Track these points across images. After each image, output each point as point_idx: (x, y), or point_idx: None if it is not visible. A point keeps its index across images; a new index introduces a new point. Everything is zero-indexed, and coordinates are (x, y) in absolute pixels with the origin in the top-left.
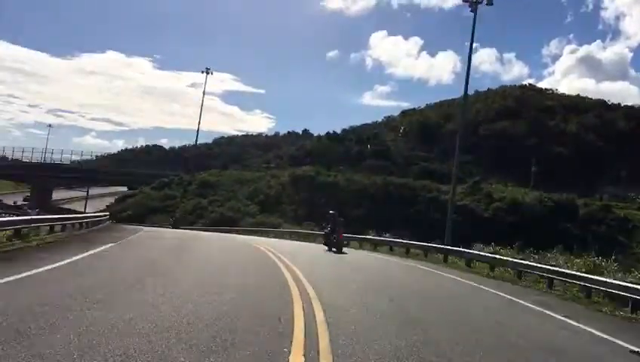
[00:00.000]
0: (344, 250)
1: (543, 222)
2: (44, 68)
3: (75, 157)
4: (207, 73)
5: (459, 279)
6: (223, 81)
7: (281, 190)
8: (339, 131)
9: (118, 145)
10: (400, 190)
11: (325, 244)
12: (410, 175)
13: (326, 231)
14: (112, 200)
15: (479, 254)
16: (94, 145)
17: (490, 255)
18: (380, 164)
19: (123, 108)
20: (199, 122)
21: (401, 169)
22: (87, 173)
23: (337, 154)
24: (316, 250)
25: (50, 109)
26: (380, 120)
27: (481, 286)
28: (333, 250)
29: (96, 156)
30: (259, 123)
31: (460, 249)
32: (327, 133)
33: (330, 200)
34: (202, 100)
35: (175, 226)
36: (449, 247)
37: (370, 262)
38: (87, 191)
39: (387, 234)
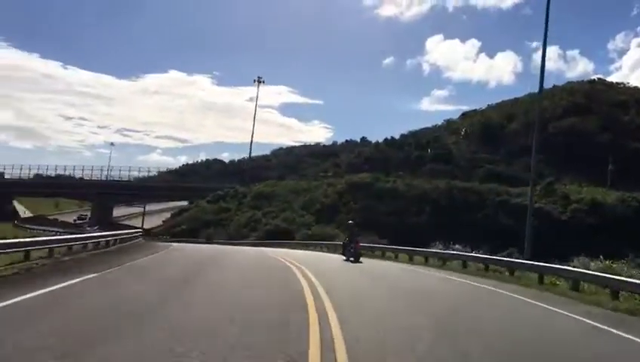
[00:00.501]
0: (361, 259)
1: (626, 223)
2: (111, 90)
3: (137, 174)
4: (260, 82)
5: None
6: (280, 93)
7: (338, 199)
8: (397, 137)
9: (182, 161)
10: (465, 194)
11: (343, 254)
12: (474, 178)
13: (344, 241)
14: (169, 215)
15: (592, 274)
16: (159, 161)
17: (613, 277)
18: (442, 169)
19: (185, 124)
20: (252, 133)
21: (464, 172)
22: (143, 189)
23: (396, 160)
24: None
25: (117, 129)
26: (439, 123)
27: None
28: (351, 259)
29: (158, 172)
30: (317, 133)
31: (562, 266)
32: (385, 139)
33: (390, 208)
34: (255, 108)
35: (209, 241)
36: (545, 265)
37: (444, 291)
38: (144, 208)
39: (456, 246)
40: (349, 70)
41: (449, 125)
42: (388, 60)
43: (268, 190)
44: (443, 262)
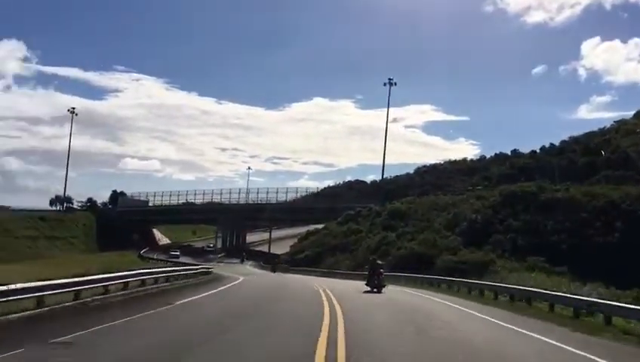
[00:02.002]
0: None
1: None
2: (261, 121)
3: (282, 196)
4: (391, 85)
5: None
6: (423, 112)
7: (491, 214)
8: (557, 143)
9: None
10: None
11: (367, 285)
12: None
13: (368, 273)
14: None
15: None
16: (307, 186)
17: None
18: (621, 175)
19: (331, 149)
20: (385, 144)
21: None
22: (273, 211)
23: (559, 169)
24: None
25: (267, 158)
26: (608, 126)
27: None
28: (375, 290)
29: (301, 195)
30: (463, 151)
31: None
32: (542, 147)
33: (564, 223)
34: (387, 115)
35: (274, 270)
36: None
37: None
38: (270, 232)
39: None
40: (495, 83)
41: (620, 127)
42: (538, 69)
43: (404, 207)
44: None
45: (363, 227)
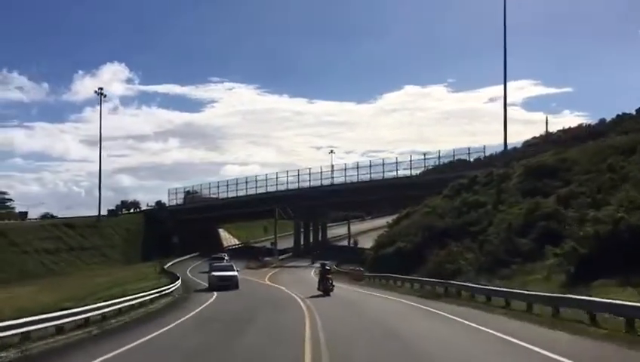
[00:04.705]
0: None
1: None
2: (353, 115)
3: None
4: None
5: None
6: (522, 88)
7: None
8: None
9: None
10: None
11: (318, 289)
12: None
13: (319, 278)
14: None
15: None
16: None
17: None
18: None
19: (426, 137)
20: (505, 115)
21: None
22: (349, 193)
23: None
24: None
25: (363, 152)
26: None
27: None
28: (322, 294)
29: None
30: (569, 124)
31: None
32: None
33: None
34: (504, 32)
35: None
36: None
37: None
38: (349, 225)
39: None
40: (599, 48)
41: None
42: None
43: (552, 161)
44: None
45: (485, 197)
